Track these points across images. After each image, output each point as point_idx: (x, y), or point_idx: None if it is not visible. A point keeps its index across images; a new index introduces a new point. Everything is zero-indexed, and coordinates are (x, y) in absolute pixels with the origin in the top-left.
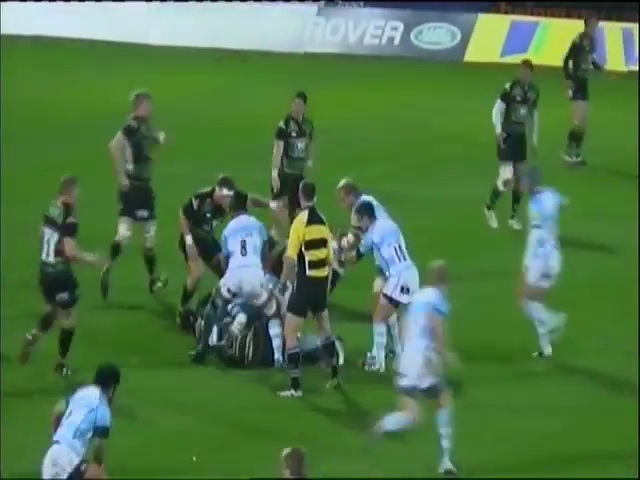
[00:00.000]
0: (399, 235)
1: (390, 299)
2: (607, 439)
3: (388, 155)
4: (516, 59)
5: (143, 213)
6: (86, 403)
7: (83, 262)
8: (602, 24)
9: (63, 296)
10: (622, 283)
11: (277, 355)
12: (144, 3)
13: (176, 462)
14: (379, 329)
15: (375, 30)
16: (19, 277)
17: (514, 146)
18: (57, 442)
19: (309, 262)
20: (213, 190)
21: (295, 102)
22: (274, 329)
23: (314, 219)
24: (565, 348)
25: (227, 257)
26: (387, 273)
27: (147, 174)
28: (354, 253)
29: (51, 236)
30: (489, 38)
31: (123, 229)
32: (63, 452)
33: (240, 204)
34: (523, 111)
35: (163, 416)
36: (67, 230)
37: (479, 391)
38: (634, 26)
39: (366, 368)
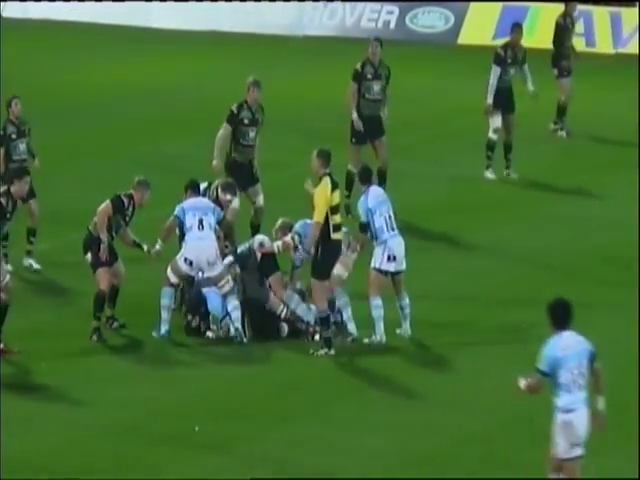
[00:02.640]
0: (389, 205)
1: (379, 270)
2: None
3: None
4: None
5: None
6: None
7: None
8: (591, 8)
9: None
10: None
11: (237, 325)
12: None
13: (178, 431)
14: (375, 302)
15: (371, 14)
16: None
17: (503, 98)
18: None
19: (333, 226)
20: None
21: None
22: (232, 302)
23: (335, 185)
24: None
25: (182, 229)
26: (374, 242)
27: (243, 157)
28: (359, 232)
29: None
30: (481, 22)
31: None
32: None
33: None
34: (512, 71)
35: (163, 390)
36: None
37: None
38: (621, 10)
39: (366, 341)
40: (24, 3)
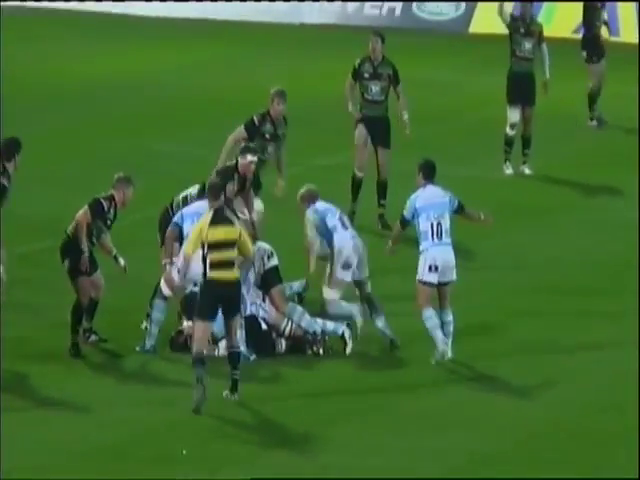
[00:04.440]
0: (443, 212)
1: (422, 282)
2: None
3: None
4: None
5: None
6: None
7: None
8: None
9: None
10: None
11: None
12: None
13: (165, 454)
14: (426, 314)
15: (375, 2)
16: None
17: (521, 88)
18: None
19: (210, 264)
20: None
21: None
22: None
23: (217, 220)
24: None
25: (180, 232)
26: (419, 248)
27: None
28: (398, 222)
29: None
30: (495, 8)
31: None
32: None
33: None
34: (528, 45)
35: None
36: None
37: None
38: None
39: (432, 362)
40: None
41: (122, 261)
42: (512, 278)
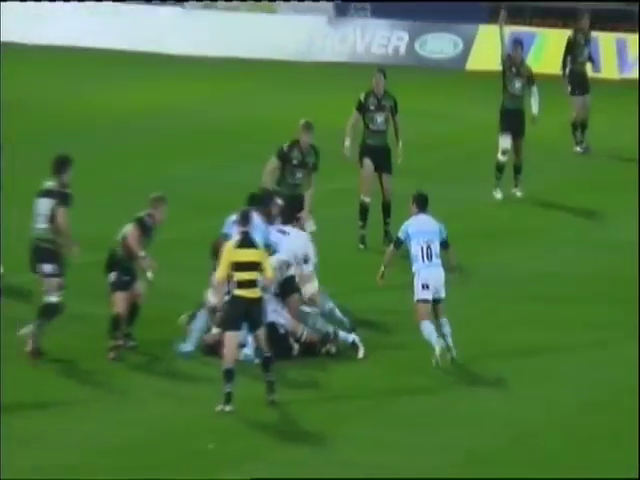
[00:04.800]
0: (433, 238)
1: (419, 301)
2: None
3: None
4: None
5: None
6: None
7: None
8: (596, 34)
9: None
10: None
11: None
12: (161, 14)
13: (192, 449)
14: (425, 329)
15: (382, 40)
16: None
17: (513, 120)
18: None
19: (237, 282)
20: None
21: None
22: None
23: (243, 242)
24: None
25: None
26: (412, 269)
27: (289, 190)
28: (391, 245)
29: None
30: (490, 47)
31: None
32: None
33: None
34: (518, 84)
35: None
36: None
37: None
38: (627, 36)
39: (433, 362)
40: (43, 29)
41: (150, 275)
42: (504, 290)
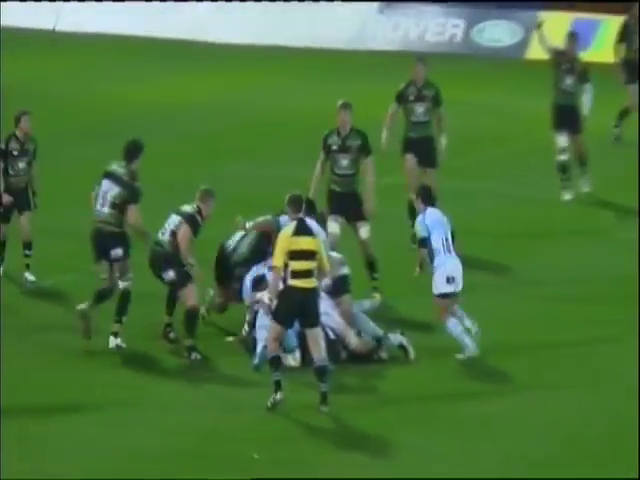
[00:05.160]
0: (447, 228)
1: (441, 295)
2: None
3: (449, 153)
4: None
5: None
6: None
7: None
8: None
9: (169, 274)
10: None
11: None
12: (205, 2)
13: (236, 456)
14: (450, 325)
15: (436, 27)
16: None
17: (566, 118)
18: None
19: (291, 272)
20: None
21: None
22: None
23: (301, 230)
24: None
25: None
26: (432, 265)
27: (338, 187)
28: (419, 246)
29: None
30: (551, 35)
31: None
32: None
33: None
34: (570, 81)
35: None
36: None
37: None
38: None
39: (460, 357)
40: (78, 16)
41: (194, 268)
42: (562, 291)
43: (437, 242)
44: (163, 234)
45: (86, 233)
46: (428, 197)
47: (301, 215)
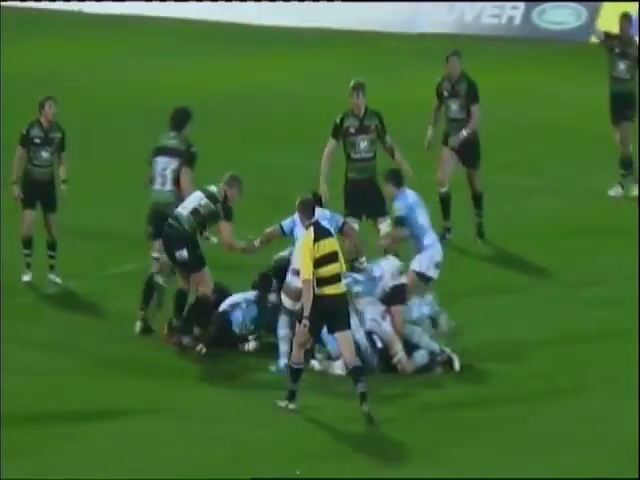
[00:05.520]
0: (424, 209)
1: (421, 275)
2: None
3: (502, 146)
4: None
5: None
6: None
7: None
8: None
9: (182, 254)
10: None
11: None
12: None
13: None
14: (414, 308)
15: (494, 9)
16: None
17: (617, 104)
18: None
19: (317, 280)
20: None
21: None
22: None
23: (321, 234)
24: None
25: (285, 234)
26: (419, 243)
27: (357, 173)
28: (398, 228)
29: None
30: (617, 18)
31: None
32: None
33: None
34: (623, 66)
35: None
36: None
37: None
38: None
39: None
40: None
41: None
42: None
43: (424, 220)
44: (184, 208)
45: (111, 231)
46: (399, 179)
47: (314, 219)
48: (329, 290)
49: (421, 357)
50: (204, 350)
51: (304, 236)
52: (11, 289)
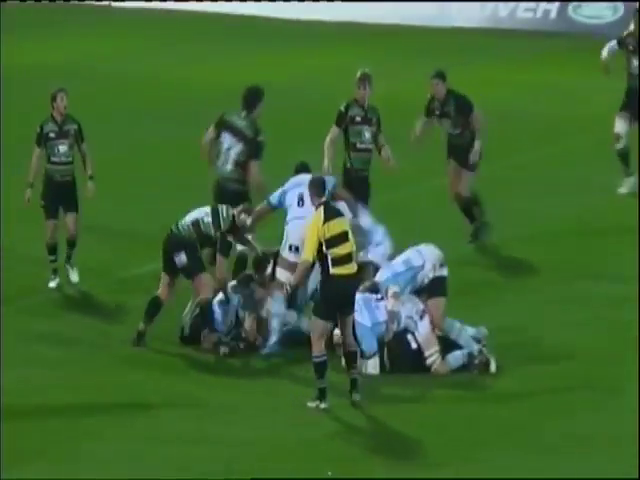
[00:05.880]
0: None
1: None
2: None
3: (540, 141)
4: None
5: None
6: None
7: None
8: None
9: (181, 258)
10: None
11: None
12: None
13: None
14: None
15: (529, 3)
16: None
17: (631, 100)
18: None
19: (332, 260)
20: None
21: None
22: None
23: (333, 214)
24: None
25: (274, 208)
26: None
27: (360, 164)
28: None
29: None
30: None
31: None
32: None
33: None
34: (636, 62)
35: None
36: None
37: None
38: None
39: None
40: None
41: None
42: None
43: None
44: (188, 216)
45: (139, 230)
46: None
47: (324, 199)
48: (343, 270)
49: (455, 359)
50: (227, 351)
51: (313, 216)
52: (30, 287)
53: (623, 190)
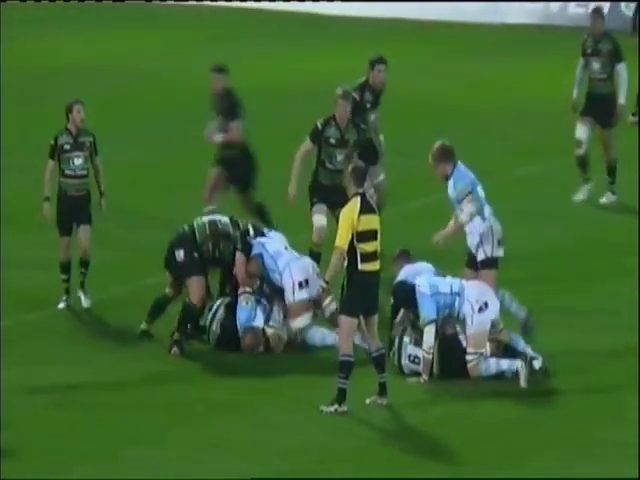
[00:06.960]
0: None
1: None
2: None
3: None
4: None
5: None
6: None
7: None
8: None
9: (180, 254)
10: None
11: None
12: None
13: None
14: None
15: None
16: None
17: (595, 107)
18: None
19: (361, 255)
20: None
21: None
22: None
23: (367, 208)
24: None
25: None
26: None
27: (327, 180)
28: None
29: None
30: None
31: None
32: None
33: None
34: (597, 65)
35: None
36: None
37: None
38: None
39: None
40: None
41: None
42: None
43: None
44: (205, 216)
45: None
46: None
47: (362, 190)
48: (371, 266)
49: (493, 366)
50: (177, 352)
51: (349, 205)
52: (44, 300)
53: (580, 197)
